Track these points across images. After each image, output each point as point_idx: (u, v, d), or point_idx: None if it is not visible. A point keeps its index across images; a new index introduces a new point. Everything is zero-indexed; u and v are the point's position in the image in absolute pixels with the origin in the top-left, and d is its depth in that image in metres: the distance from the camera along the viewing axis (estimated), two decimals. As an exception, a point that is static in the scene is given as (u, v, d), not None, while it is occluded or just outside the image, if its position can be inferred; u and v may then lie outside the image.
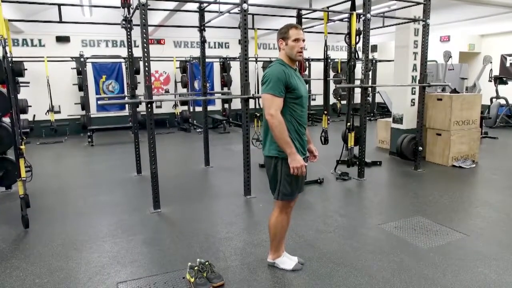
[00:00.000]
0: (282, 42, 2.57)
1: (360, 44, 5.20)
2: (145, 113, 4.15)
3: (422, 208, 4.15)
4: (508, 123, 10.10)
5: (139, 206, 4.31)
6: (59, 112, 9.68)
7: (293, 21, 6.51)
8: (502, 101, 10.10)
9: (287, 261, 2.83)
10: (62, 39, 9.83)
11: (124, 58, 9.79)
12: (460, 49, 11.54)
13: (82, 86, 9.33)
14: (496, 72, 11.02)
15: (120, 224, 3.82)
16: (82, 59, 9.18)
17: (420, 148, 5.81)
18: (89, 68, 9.88)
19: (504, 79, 10.14)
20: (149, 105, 4.02)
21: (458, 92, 6.71)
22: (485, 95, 8.59)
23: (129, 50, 5.44)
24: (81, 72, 9.27)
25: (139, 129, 5.90)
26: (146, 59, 3.90)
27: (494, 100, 10.20)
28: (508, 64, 11.44)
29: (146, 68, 3.92)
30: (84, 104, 9.38)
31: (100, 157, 7.51)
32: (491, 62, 9.84)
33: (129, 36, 5.33)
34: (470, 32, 11.55)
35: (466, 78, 9.54)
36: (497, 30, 11.09)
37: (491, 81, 10.12)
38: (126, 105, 10.42)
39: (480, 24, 10.67)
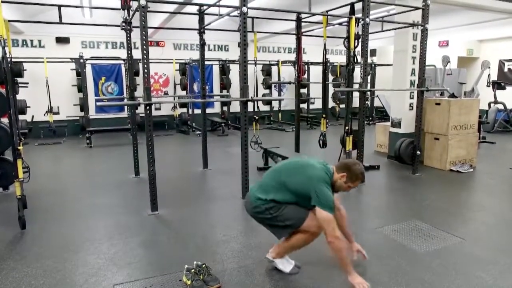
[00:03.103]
0: (345, 177, 2.60)
1: (359, 48, 5.22)
2: (144, 115, 4.15)
3: (420, 212, 4.15)
4: (506, 128, 10.13)
5: (137, 208, 4.31)
6: (58, 113, 9.67)
7: (292, 24, 6.55)
8: (500, 106, 10.13)
9: (286, 263, 2.83)
10: (62, 40, 9.83)
11: (123, 59, 9.80)
12: (459, 54, 11.59)
13: (81, 88, 9.33)
14: (494, 77, 11.06)
15: (117, 225, 3.82)
16: (81, 60, 9.18)
17: (418, 152, 5.82)
18: (88, 70, 9.87)
19: (502, 84, 10.18)
20: (147, 107, 4.02)
21: (456, 97, 6.74)
22: (483, 100, 8.61)
23: (129, 52, 5.44)
24: (80, 74, 9.27)
25: (137, 131, 5.90)
26: (145, 61, 3.90)
27: (492, 105, 10.23)
28: (506, 70, 11.49)
29: (146, 70, 3.93)
30: (83, 106, 9.37)
31: (99, 159, 7.50)
32: (489, 67, 9.88)
33: (128, 38, 5.34)
34: (469, 37, 11.60)
35: (464, 83, 9.57)
36: (496, 35, 11.13)
37: (489, 86, 10.15)
38: (125, 107, 10.42)
39: (478, 29, 10.72)
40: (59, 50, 9.71)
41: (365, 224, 3.87)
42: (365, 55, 5.12)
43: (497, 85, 10.10)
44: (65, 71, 9.69)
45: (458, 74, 9.39)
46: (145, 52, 3.89)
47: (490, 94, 10.15)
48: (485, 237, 3.53)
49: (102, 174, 6.09)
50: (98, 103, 6.74)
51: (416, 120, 5.89)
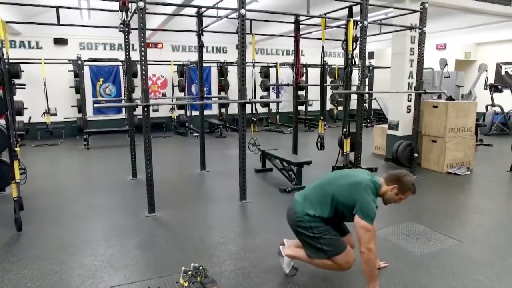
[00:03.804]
0: (395, 189, 2.54)
1: (357, 51, 5.23)
2: (141, 116, 4.14)
3: (417, 214, 4.16)
4: (503, 130, 10.17)
5: (134, 210, 4.29)
6: (55, 114, 9.61)
7: (291, 27, 6.57)
8: (497, 109, 10.17)
9: (289, 265, 2.82)
10: (60, 42, 9.82)
11: (121, 61, 9.80)
12: (456, 57, 11.63)
13: (79, 89, 9.33)
14: (491, 80, 11.10)
15: (114, 227, 3.81)
16: (79, 62, 9.18)
17: (416, 154, 5.83)
18: (86, 71, 9.87)
19: (499, 87, 10.22)
20: (145, 109, 4.01)
21: (454, 100, 6.76)
22: (481, 103, 8.64)
23: (127, 53, 5.44)
24: (78, 75, 9.27)
25: (135, 133, 5.89)
26: (143, 62, 3.90)
27: (489, 108, 10.28)
28: (503, 73, 11.55)
29: (144, 72, 3.92)
30: (81, 107, 9.37)
31: (96, 160, 7.48)
32: (486, 70, 9.91)
33: (127, 40, 5.33)
34: (466, 41, 11.65)
35: (462, 86, 9.60)
36: (493, 38, 11.20)
37: (486, 89, 10.19)
38: (123, 109, 10.40)
39: (476, 32, 10.78)
40: (57, 52, 9.70)
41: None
42: (363, 58, 5.13)
43: (494, 88, 10.14)
44: (63, 72, 9.68)
45: (456, 77, 9.43)
46: (143, 53, 3.89)
47: (487, 97, 10.19)
48: (482, 239, 3.54)
49: (99, 176, 6.08)
50: (95, 105, 6.71)
51: (413, 122, 5.90)
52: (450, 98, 6.72)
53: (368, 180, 2.51)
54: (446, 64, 8.62)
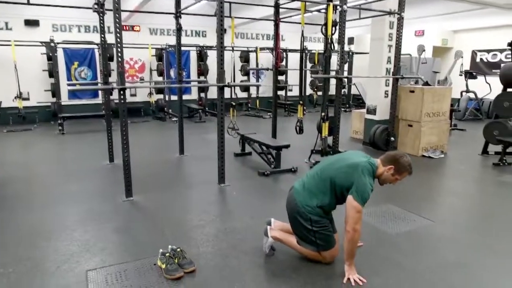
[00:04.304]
0: (392, 170, 2.56)
1: (336, 35, 5.23)
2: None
3: (392, 196, 4.25)
4: (477, 116, 10.48)
5: (111, 194, 4.23)
6: (27, 99, 9.31)
7: (271, 11, 6.49)
8: (472, 95, 10.46)
9: (269, 246, 2.83)
10: (31, 23, 9.40)
11: (97, 44, 9.49)
12: (434, 44, 11.82)
13: (52, 72, 9.01)
14: (466, 67, 11.38)
15: (91, 212, 3.75)
16: (52, 44, 8.84)
17: (392, 138, 5.95)
18: (60, 54, 9.52)
19: (474, 73, 10.49)
20: (121, 92, 3.92)
21: (430, 85, 6.90)
22: (456, 89, 8.86)
23: (102, 36, 5.27)
24: (51, 58, 8.94)
25: (112, 117, 5.76)
26: (119, 45, 3.79)
27: (464, 93, 10.55)
28: (478, 60, 11.83)
29: (119, 54, 3.82)
30: (55, 91, 9.07)
31: (71, 146, 7.30)
32: (462, 57, 10.15)
33: (102, 21, 5.16)
34: (444, 28, 11.85)
35: (438, 72, 9.82)
36: (469, 26, 11.42)
37: (461, 75, 10.44)
38: (100, 93, 10.13)
39: (453, 20, 10.96)
40: (28, 33, 9.29)
41: (340, 208, 3.94)
42: (342, 42, 5.15)
43: (469, 74, 10.40)
44: (35, 55, 9.29)
45: (433, 63, 9.63)
46: (118, 35, 3.78)
47: (462, 83, 10.45)
48: (453, 219, 3.68)
49: (75, 161, 5.94)
50: (69, 87, 6.50)
51: (390, 107, 6.00)
52: (426, 84, 6.86)
53: (365, 162, 2.54)
54: (424, 50, 8.77)
